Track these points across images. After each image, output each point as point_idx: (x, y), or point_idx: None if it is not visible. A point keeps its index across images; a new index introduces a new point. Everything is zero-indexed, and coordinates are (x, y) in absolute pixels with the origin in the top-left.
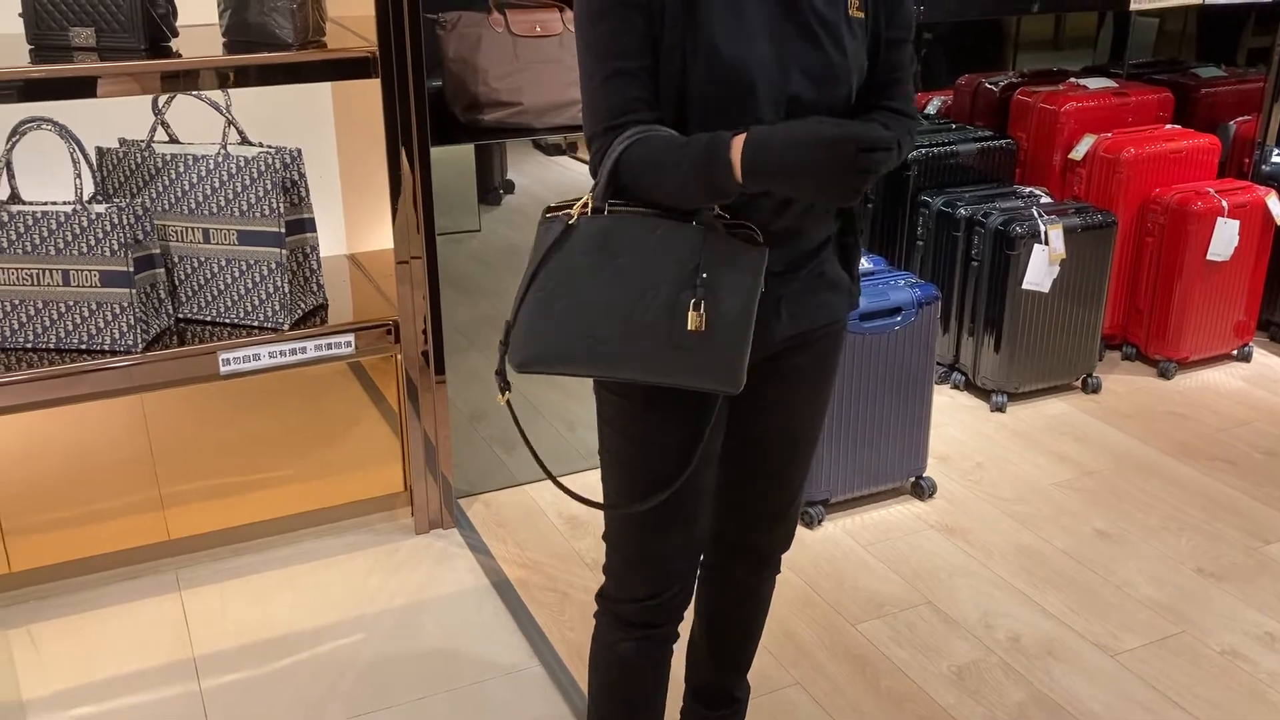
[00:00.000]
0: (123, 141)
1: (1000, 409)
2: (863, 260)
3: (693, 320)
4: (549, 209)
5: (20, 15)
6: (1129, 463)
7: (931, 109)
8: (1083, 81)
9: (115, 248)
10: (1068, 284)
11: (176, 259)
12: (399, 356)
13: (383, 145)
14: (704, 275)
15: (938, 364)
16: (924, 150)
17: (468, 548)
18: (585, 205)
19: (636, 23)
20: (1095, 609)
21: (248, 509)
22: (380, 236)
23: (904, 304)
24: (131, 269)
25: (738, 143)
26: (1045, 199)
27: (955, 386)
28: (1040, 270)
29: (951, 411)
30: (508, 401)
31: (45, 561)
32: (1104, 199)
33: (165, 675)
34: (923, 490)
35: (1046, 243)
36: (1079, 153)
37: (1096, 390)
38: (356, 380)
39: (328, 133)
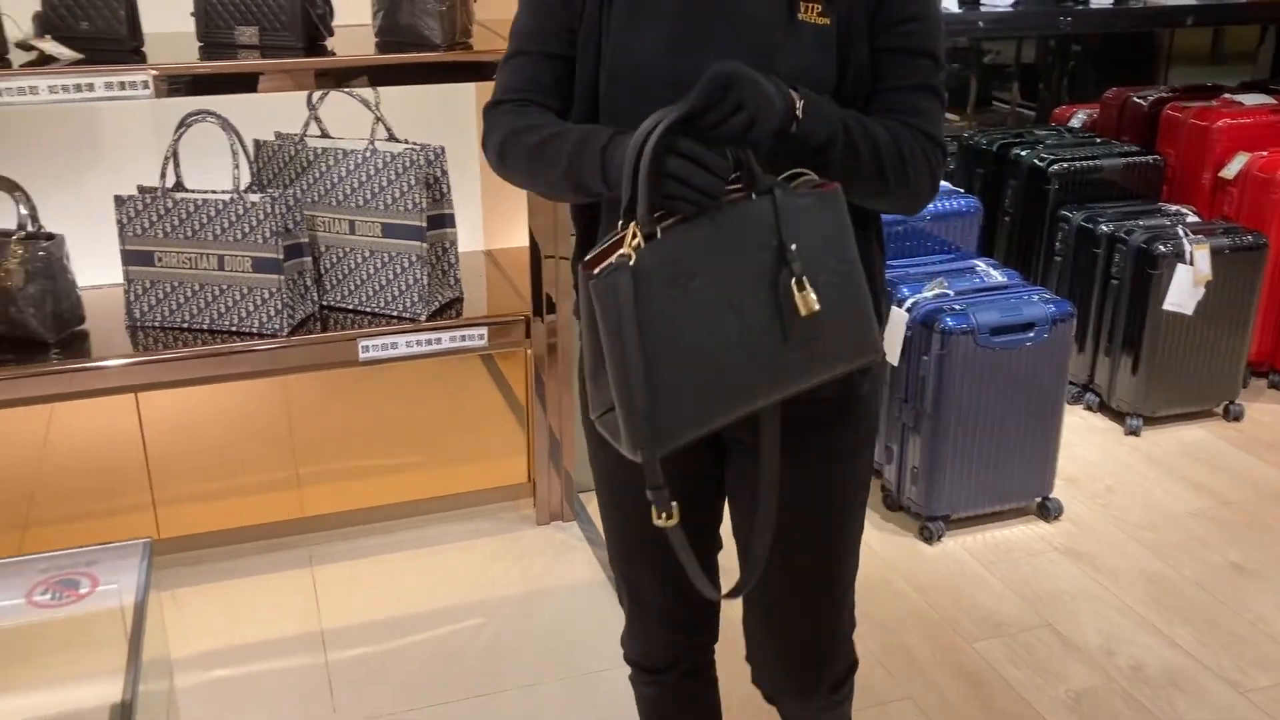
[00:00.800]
0: (278, 135)
1: (1135, 432)
2: (996, 273)
3: (803, 304)
4: (587, 261)
5: (193, 14)
6: (1270, 495)
7: (1076, 123)
8: (1238, 97)
9: (267, 235)
10: (1212, 306)
11: (323, 248)
12: (529, 351)
13: None
14: (793, 247)
15: (1070, 383)
16: (1066, 164)
17: (586, 541)
18: (635, 237)
19: (554, 10)
20: (1225, 643)
21: (378, 491)
22: (516, 234)
23: (1037, 319)
24: (281, 256)
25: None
26: (1192, 218)
27: (1088, 407)
28: (1183, 291)
29: (1083, 433)
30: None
31: (191, 530)
32: (1255, 220)
33: (295, 645)
34: (1048, 511)
35: (1191, 263)
36: (1231, 171)
37: (1239, 418)
38: (488, 372)
39: (469, 131)
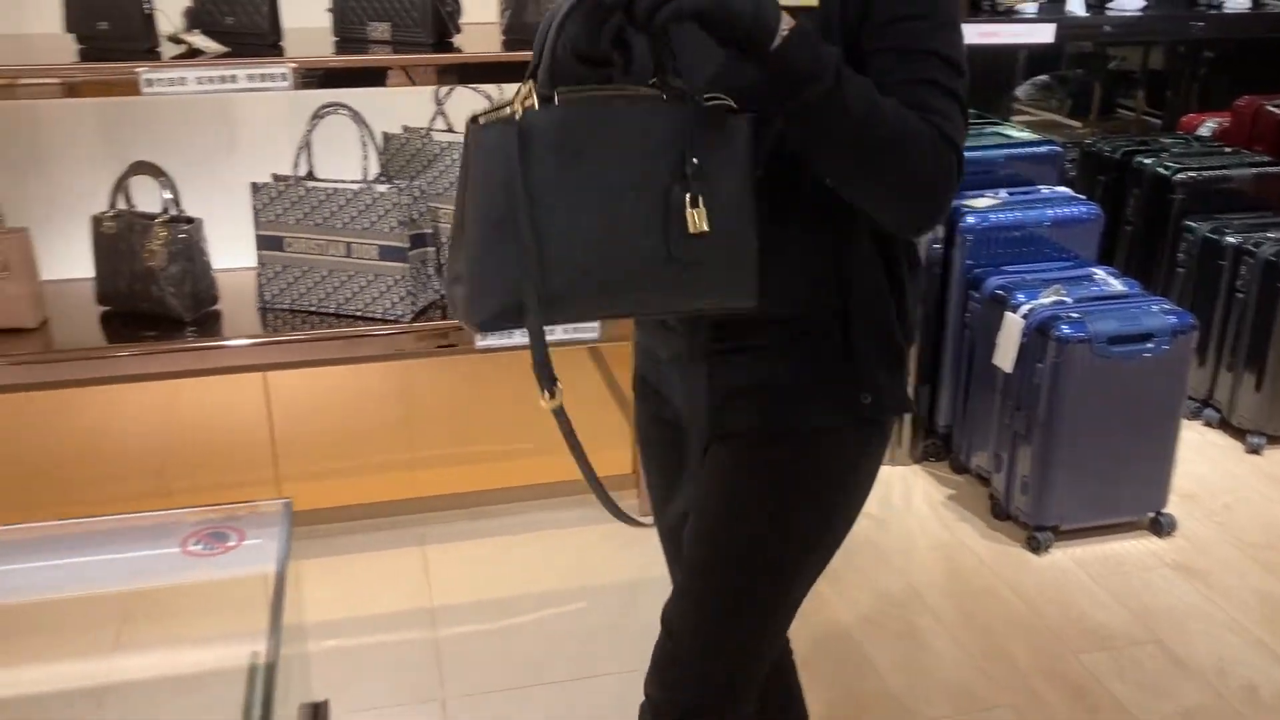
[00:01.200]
0: (405, 129)
1: (1256, 450)
2: (1115, 282)
3: (692, 220)
4: (476, 116)
5: (329, 10)
6: None
7: (1204, 131)
8: None
9: (394, 225)
10: None
11: (443, 239)
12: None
13: None
14: (694, 161)
15: (1189, 398)
16: (1192, 174)
17: None
18: (529, 97)
19: None
20: None
21: (490, 476)
22: None
23: (1156, 330)
24: (406, 245)
25: None
26: None
27: (1207, 424)
28: None
29: (1201, 449)
30: (558, 409)
31: (310, 506)
32: None
33: (406, 621)
34: (1161, 527)
35: None
36: None
37: None
38: (595, 364)
39: None
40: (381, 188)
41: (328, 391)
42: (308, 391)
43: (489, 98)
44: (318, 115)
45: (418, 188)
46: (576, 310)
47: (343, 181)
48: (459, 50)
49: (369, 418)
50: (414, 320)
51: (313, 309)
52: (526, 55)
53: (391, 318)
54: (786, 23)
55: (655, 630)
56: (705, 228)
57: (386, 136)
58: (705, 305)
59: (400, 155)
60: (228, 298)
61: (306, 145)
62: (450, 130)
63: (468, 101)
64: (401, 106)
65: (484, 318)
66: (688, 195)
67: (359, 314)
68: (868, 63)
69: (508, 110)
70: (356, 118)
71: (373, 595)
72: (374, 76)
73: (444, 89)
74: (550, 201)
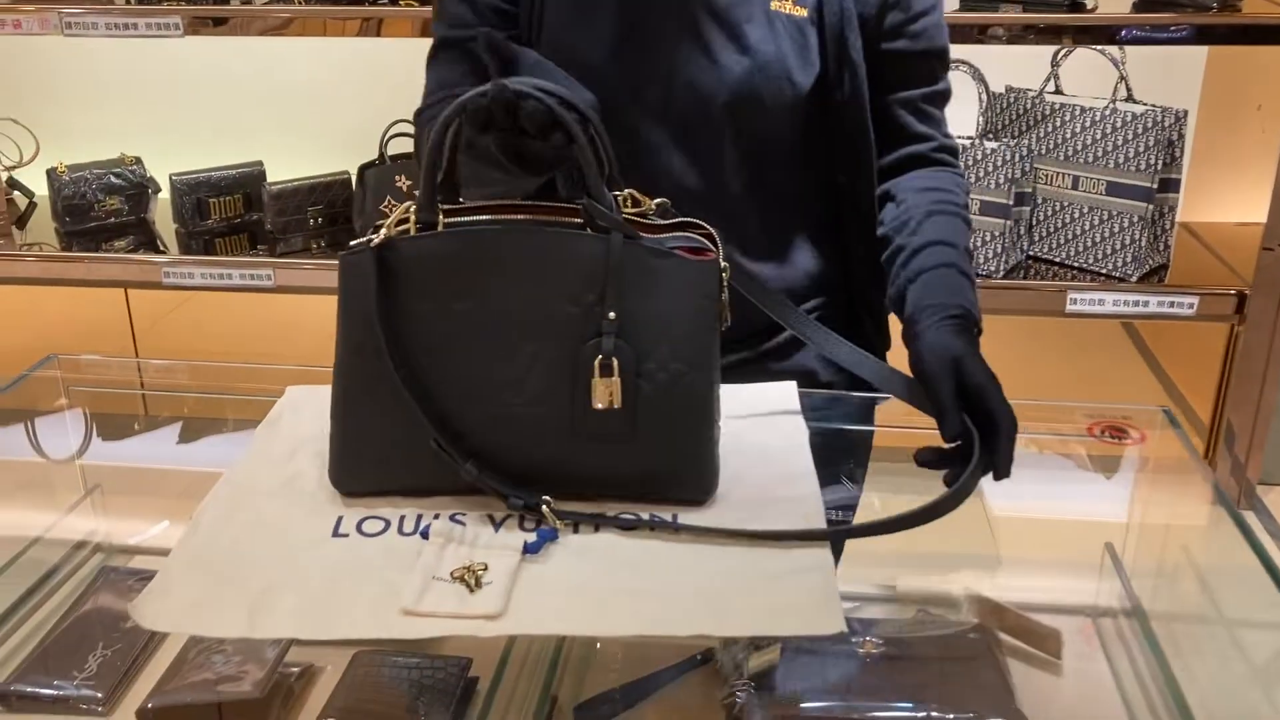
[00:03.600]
0: (1009, 88)
1: None
2: None
3: (599, 393)
4: (352, 245)
5: None
6: None
7: None
8: None
9: (1001, 182)
10: None
11: (1039, 200)
12: (1238, 328)
13: (1249, 115)
14: (611, 315)
15: None
16: None
17: (1268, 535)
18: (405, 220)
19: None
20: None
21: (1026, 442)
22: (1220, 208)
23: None
24: (1011, 202)
25: None
26: None
27: None
28: None
29: None
30: None
31: None
32: None
33: None
34: None
35: None
36: None
37: None
38: (1128, 339)
39: (1191, 96)
40: (990, 144)
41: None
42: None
43: (1114, 60)
44: None
45: (1025, 146)
46: (408, 478)
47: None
48: (1092, 10)
49: None
50: (1005, 277)
51: None
52: (1166, 18)
53: (983, 273)
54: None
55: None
56: (615, 404)
57: (991, 95)
58: (629, 493)
59: (1006, 113)
60: None
61: None
62: (1059, 92)
63: (1080, 62)
64: (1009, 65)
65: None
66: (597, 359)
67: None
68: (885, 63)
69: (374, 237)
70: (976, 74)
71: None
72: (986, 36)
73: (1062, 50)
74: (416, 347)
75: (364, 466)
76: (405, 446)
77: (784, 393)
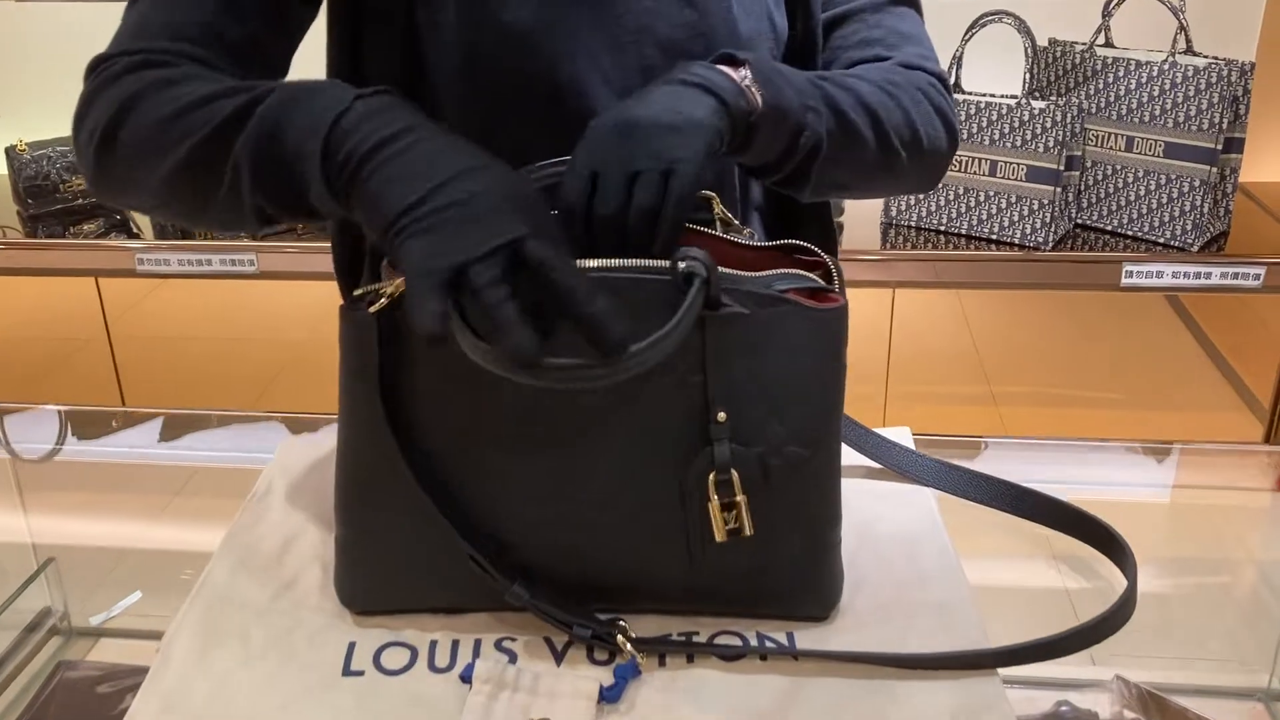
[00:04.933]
0: (1053, 41)
1: None
2: None
3: (718, 526)
4: (356, 295)
5: None
6: None
7: None
8: None
9: (1050, 145)
10: None
11: (1089, 163)
12: None
13: None
14: (720, 416)
15: None
16: None
17: None
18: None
19: None
20: None
21: (1067, 423)
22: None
23: None
24: (1061, 167)
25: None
26: None
27: None
28: None
29: None
30: None
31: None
32: None
33: None
34: None
35: None
36: None
37: None
38: (1178, 317)
39: (1248, 46)
40: (1038, 104)
41: (940, 314)
42: (924, 314)
43: (1173, 9)
44: (977, 24)
45: (1076, 105)
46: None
47: (994, 96)
48: None
49: (989, 345)
50: (1054, 248)
51: (941, 228)
52: None
53: (1030, 244)
54: (742, 71)
55: None
56: (747, 532)
57: (1035, 50)
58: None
59: (1051, 70)
60: (850, 213)
61: (957, 58)
62: (1111, 45)
63: (1133, 13)
64: (1053, 17)
65: (359, 609)
66: (711, 477)
67: (993, 238)
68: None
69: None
70: (1022, 27)
71: None
72: None
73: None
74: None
75: (381, 579)
76: (432, 554)
77: (897, 439)
